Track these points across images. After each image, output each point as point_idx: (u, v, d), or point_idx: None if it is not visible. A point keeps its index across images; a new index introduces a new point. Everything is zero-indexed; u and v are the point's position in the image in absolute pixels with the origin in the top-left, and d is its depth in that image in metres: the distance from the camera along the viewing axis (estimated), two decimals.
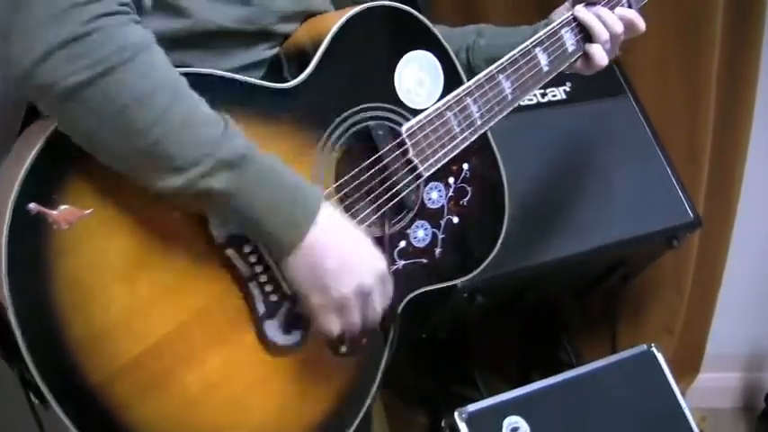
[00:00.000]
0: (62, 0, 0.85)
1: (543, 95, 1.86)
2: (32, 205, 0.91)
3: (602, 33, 1.30)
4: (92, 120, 0.88)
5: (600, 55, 1.32)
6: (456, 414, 1.59)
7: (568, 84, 1.89)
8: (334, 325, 1.04)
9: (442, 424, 1.61)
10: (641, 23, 1.35)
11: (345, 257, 1.02)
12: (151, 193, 0.95)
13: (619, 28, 1.32)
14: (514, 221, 1.29)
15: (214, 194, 0.93)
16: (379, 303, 1.07)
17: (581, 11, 1.31)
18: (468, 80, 1.22)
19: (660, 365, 1.78)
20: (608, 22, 1.31)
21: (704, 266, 2.31)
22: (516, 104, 1.26)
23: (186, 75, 0.95)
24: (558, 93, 1.88)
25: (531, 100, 1.83)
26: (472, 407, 1.61)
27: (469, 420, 1.60)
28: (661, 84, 2.08)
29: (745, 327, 2.48)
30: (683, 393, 1.78)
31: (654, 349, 1.79)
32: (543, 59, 1.28)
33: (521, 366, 2.21)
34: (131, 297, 0.97)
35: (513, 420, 1.63)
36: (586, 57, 1.33)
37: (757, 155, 2.26)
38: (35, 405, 1.01)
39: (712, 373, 2.46)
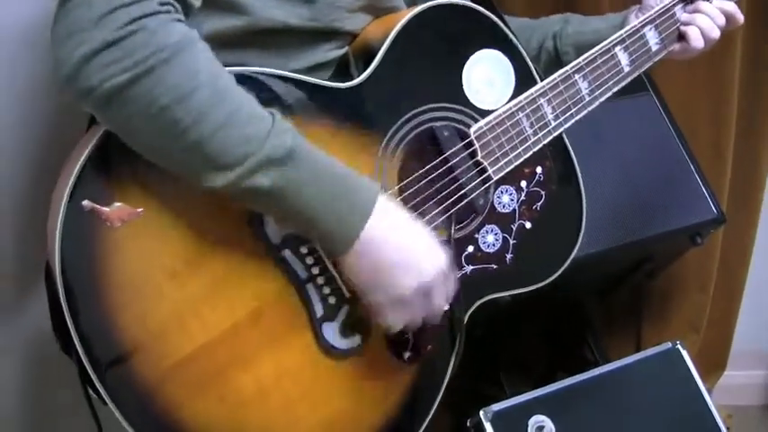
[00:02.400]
0: (102, 4, 0.85)
1: None
2: (86, 202, 0.91)
3: (706, 26, 1.28)
4: (135, 121, 0.88)
5: (696, 37, 1.29)
6: (481, 413, 1.59)
7: None
8: (395, 322, 1.02)
9: (468, 423, 1.61)
10: (740, 15, 1.33)
11: (405, 253, 0.99)
12: (205, 191, 0.93)
13: (721, 20, 1.30)
14: None
15: (261, 193, 0.92)
16: (441, 300, 1.04)
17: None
18: (546, 77, 1.17)
19: (686, 363, 1.77)
20: (712, 15, 1.29)
21: (729, 263, 2.29)
22: (595, 105, 1.21)
23: (238, 74, 0.94)
24: None
25: None
26: (497, 406, 1.61)
27: (495, 419, 1.59)
28: (685, 80, 2.07)
29: None
30: (708, 391, 1.77)
31: (679, 347, 1.78)
32: (624, 59, 1.24)
33: (545, 365, 2.20)
34: (183, 296, 0.96)
35: (538, 419, 1.62)
36: (682, 39, 1.30)
37: None
38: (93, 400, 1.00)
39: (738, 371, 2.44)
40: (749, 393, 2.50)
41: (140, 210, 0.94)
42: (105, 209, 0.92)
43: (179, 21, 0.90)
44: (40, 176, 1.42)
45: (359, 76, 1.07)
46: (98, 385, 0.93)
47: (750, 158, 2.22)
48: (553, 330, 2.20)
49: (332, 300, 1.04)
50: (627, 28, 1.25)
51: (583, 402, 1.68)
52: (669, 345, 1.78)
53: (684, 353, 1.77)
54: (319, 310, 1.04)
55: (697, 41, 1.29)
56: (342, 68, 1.12)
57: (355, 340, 1.06)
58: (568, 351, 2.19)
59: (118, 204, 0.93)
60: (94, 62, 0.85)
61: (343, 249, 0.97)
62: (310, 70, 1.08)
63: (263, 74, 0.99)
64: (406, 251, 0.99)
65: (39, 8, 1.32)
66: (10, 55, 1.38)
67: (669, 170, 1.88)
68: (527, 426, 1.61)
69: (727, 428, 1.79)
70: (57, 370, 1.27)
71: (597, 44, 1.22)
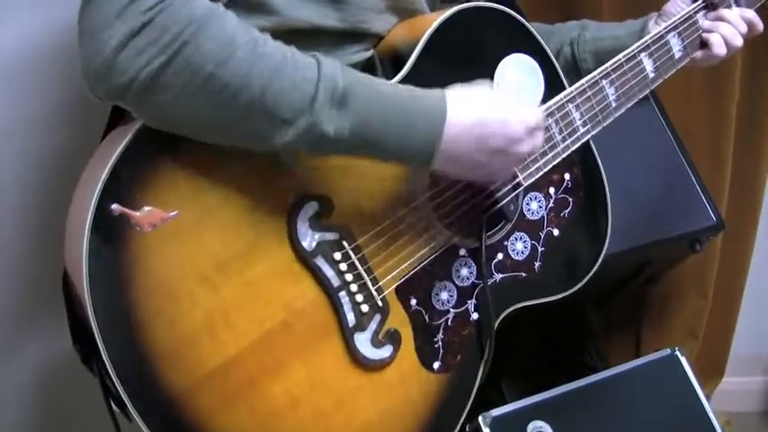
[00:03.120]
0: None
1: None
2: (115, 206, 0.89)
3: (729, 33, 1.28)
4: (182, 101, 0.86)
5: (719, 44, 1.29)
6: (480, 418, 1.59)
7: None
8: (528, 149, 1.02)
9: (467, 428, 1.61)
10: (760, 24, 1.33)
11: (497, 114, 0.98)
12: (238, 197, 0.93)
13: (743, 28, 1.30)
14: None
15: (331, 138, 0.90)
16: (540, 138, 1.04)
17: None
18: (572, 83, 1.17)
19: (684, 369, 1.77)
20: (734, 23, 1.29)
21: (728, 270, 2.29)
22: (620, 113, 1.21)
23: None
24: None
25: None
26: (496, 411, 1.61)
27: (493, 425, 1.59)
28: (684, 88, 2.07)
29: None
30: (707, 397, 1.77)
31: (678, 353, 1.78)
32: (649, 65, 1.23)
33: (544, 370, 2.20)
34: (215, 303, 0.94)
35: (537, 425, 1.63)
36: (704, 46, 1.30)
37: None
38: (116, 414, 0.99)
39: (737, 377, 2.44)
40: (748, 400, 2.50)
41: (173, 213, 0.92)
42: (135, 213, 0.90)
43: None
44: (50, 182, 1.43)
45: (386, 78, 1.06)
46: (124, 398, 0.90)
47: (749, 165, 2.22)
48: (553, 336, 2.21)
49: (364, 308, 1.04)
50: (652, 34, 1.25)
51: (581, 408, 1.68)
52: (668, 351, 1.78)
53: (683, 359, 1.77)
54: (351, 320, 1.03)
55: (720, 48, 1.30)
56: (369, 71, 1.09)
57: (387, 350, 1.06)
58: (568, 357, 2.19)
59: (148, 209, 0.91)
60: (126, 52, 0.83)
61: (432, 152, 0.96)
62: None
63: None
64: (496, 113, 0.99)
65: (38, 15, 1.34)
66: (13, 62, 1.39)
67: (668, 177, 1.88)
68: (526, 431, 1.61)
69: None
70: (70, 386, 1.24)
71: (616, 51, 1.22)
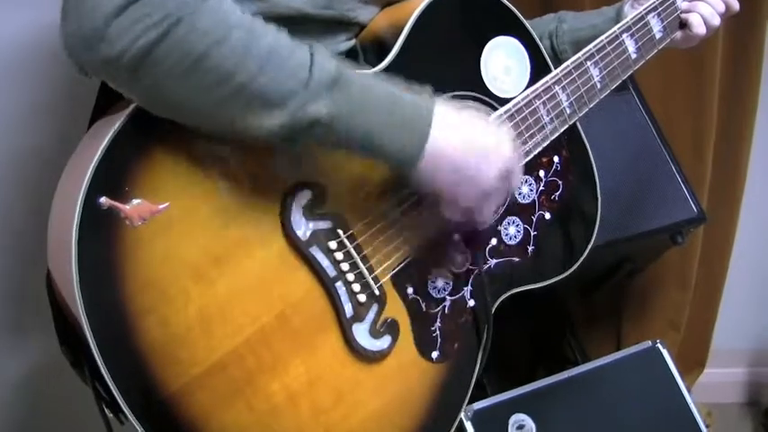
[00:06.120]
0: None
1: None
2: (104, 199, 0.85)
3: (707, 12, 1.29)
4: (172, 80, 0.83)
5: (699, 24, 1.30)
6: (461, 412, 1.59)
7: None
8: (486, 216, 1.01)
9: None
10: (736, 3, 1.34)
11: (478, 143, 0.97)
12: (231, 188, 0.90)
13: (721, 7, 1.31)
14: None
15: (322, 122, 0.88)
16: (517, 180, 1.03)
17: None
18: (555, 68, 1.16)
19: (666, 361, 1.78)
20: (712, 2, 1.30)
21: (709, 262, 2.30)
22: (605, 94, 1.21)
23: None
24: None
25: None
26: (477, 405, 1.60)
27: (475, 418, 1.59)
28: (665, 79, 2.07)
29: (750, 322, 2.48)
30: (688, 389, 1.78)
31: (659, 345, 1.78)
32: (631, 46, 1.24)
33: (526, 364, 2.21)
34: (209, 298, 0.91)
35: (518, 418, 1.63)
36: (684, 27, 1.31)
37: (761, 149, 2.25)
38: (110, 419, 0.95)
39: (718, 369, 2.46)
40: (729, 391, 2.51)
41: (164, 206, 0.88)
42: (125, 206, 0.86)
43: None
44: (33, 179, 1.40)
45: (370, 66, 1.05)
46: (119, 399, 0.86)
47: (730, 157, 2.23)
48: (534, 329, 2.21)
49: (362, 297, 1.02)
50: (632, 15, 1.25)
51: (563, 401, 1.68)
52: (649, 343, 1.78)
53: (664, 351, 1.78)
54: (349, 311, 1.01)
55: (699, 28, 1.31)
56: (351, 60, 1.07)
57: (385, 341, 1.05)
58: (549, 350, 2.19)
59: (137, 201, 0.87)
60: (116, 25, 0.79)
61: (415, 156, 0.94)
62: None
63: None
64: (478, 142, 0.97)
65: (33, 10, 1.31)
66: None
67: (650, 169, 1.88)
68: (507, 424, 1.61)
69: (707, 426, 1.80)
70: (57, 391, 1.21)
71: (595, 39, 1.21)
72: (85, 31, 0.80)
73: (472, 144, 0.97)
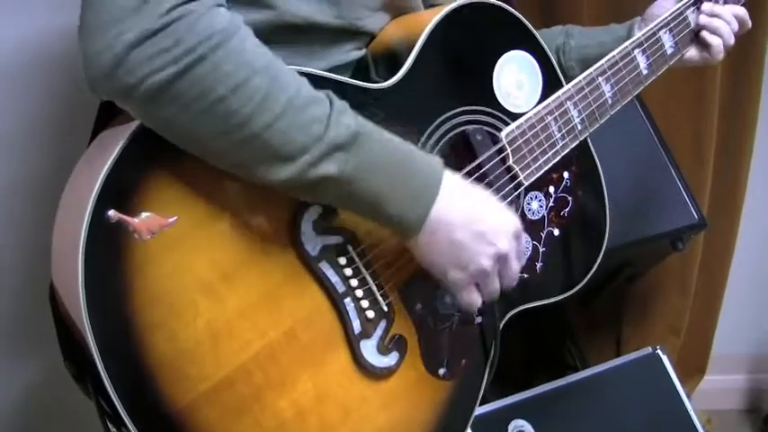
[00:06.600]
0: None
1: None
2: (112, 212, 0.83)
3: (726, 32, 1.30)
4: (186, 117, 0.81)
5: (718, 46, 1.31)
6: (468, 429, 1.59)
7: None
8: (475, 297, 0.99)
9: None
10: (749, 20, 1.35)
11: (478, 225, 0.95)
12: (240, 201, 0.88)
13: (735, 26, 1.32)
14: None
15: (330, 181, 0.87)
16: (517, 264, 1.00)
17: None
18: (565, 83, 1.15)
19: (665, 368, 1.78)
20: (727, 19, 1.31)
21: (709, 268, 2.31)
22: (616, 110, 1.21)
23: None
24: None
25: None
26: (477, 410, 1.60)
27: (475, 424, 1.58)
28: (666, 86, 2.07)
29: (750, 328, 2.48)
30: (688, 395, 1.78)
31: (659, 351, 1.78)
32: (642, 62, 1.24)
33: (526, 369, 2.20)
34: (218, 313, 0.89)
35: (518, 424, 1.63)
36: (704, 47, 1.32)
37: (762, 155, 2.26)
38: None
39: (718, 375, 2.46)
40: (729, 398, 2.52)
41: (173, 219, 0.86)
42: (134, 219, 0.84)
43: (221, 5, 0.83)
44: (40, 188, 1.39)
45: (382, 78, 1.03)
46: (123, 415, 0.84)
47: (731, 164, 2.23)
48: (534, 335, 2.20)
49: (370, 314, 1.01)
50: (644, 30, 1.25)
51: (563, 407, 1.68)
52: (649, 350, 1.78)
53: (664, 357, 1.78)
54: (357, 327, 1.00)
55: (719, 55, 1.33)
56: (362, 70, 1.08)
57: (393, 358, 1.03)
58: (549, 356, 2.19)
59: (147, 214, 0.85)
60: (137, 54, 0.77)
61: (415, 229, 0.93)
62: (331, 71, 1.03)
63: (299, 73, 0.92)
64: (479, 223, 0.95)
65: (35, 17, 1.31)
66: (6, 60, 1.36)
67: (651, 176, 1.88)
68: (507, 430, 1.61)
69: None
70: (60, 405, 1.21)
71: (603, 57, 1.21)
72: (103, 62, 0.78)
73: (473, 222, 0.95)
